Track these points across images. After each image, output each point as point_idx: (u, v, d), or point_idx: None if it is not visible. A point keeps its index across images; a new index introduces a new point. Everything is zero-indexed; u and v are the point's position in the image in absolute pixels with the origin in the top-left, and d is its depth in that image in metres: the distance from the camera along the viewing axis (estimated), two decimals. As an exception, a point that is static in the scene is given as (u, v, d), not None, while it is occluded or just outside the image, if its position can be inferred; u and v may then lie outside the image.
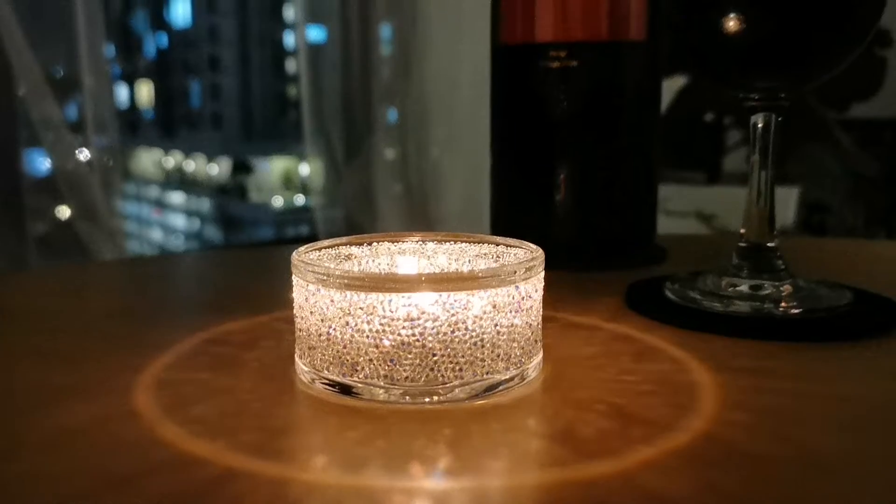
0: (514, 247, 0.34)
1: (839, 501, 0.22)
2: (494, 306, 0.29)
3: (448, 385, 0.28)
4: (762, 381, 0.31)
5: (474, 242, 0.35)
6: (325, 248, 0.34)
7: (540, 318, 0.31)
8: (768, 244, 0.41)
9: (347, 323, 0.28)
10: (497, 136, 0.56)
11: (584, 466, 0.24)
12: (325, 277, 0.29)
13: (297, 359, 0.32)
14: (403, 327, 0.28)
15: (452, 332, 0.28)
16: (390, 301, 0.28)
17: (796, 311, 0.39)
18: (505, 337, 0.29)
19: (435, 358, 0.28)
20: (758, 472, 0.24)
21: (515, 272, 0.29)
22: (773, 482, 0.23)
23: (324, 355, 0.29)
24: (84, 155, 1.16)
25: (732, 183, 1.75)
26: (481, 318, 0.28)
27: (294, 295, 0.31)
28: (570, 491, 0.22)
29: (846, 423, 0.28)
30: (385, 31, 1.50)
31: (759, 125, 0.41)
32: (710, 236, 1.22)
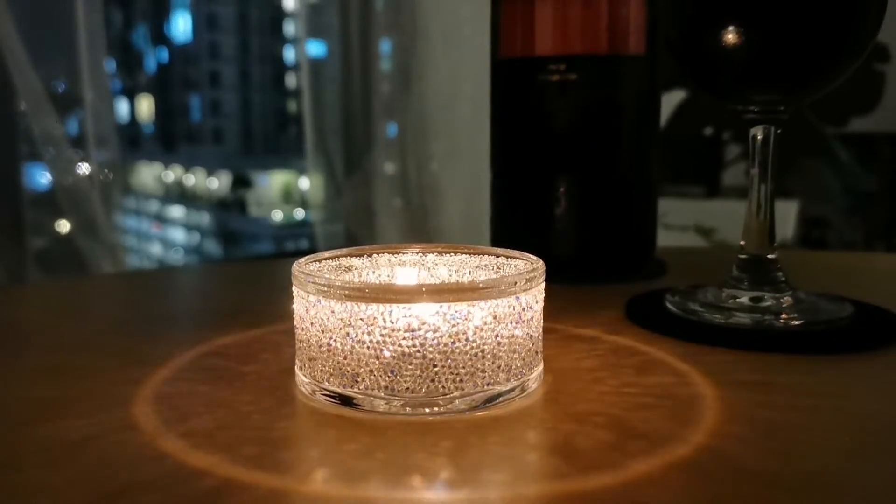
0: (514, 258, 0.34)
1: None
2: (495, 317, 0.29)
3: (448, 396, 0.28)
4: (762, 395, 0.31)
5: (474, 254, 0.35)
6: (326, 259, 0.34)
7: (541, 329, 0.31)
8: (768, 256, 0.41)
9: (348, 334, 0.28)
10: (497, 150, 0.56)
11: (583, 479, 0.24)
12: (325, 288, 0.29)
13: (297, 370, 0.32)
14: (404, 338, 0.28)
15: (453, 343, 0.28)
16: (391, 312, 0.28)
17: (797, 323, 0.39)
18: (506, 348, 0.29)
19: (436, 369, 0.28)
20: (755, 487, 0.23)
21: (516, 283, 0.29)
22: (771, 498, 0.23)
23: (324, 366, 0.29)
24: (84, 169, 1.17)
25: (732, 197, 1.75)
26: (482, 329, 0.28)
27: (294, 306, 0.31)
28: None
29: (847, 437, 0.27)
30: (385, 45, 1.51)
31: (759, 137, 0.41)
32: (709, 249, 1.22)
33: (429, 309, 0.28)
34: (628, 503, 0.22)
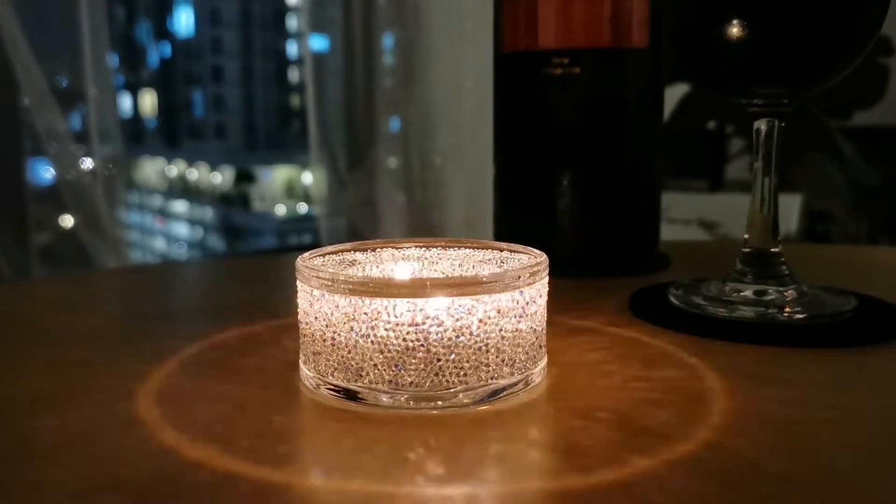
0: (518, 252, 0.34)
1: (845, 506, 0.22)
2: (499, 311, 0.29)
3: (452, 390, 0.28)
4: (766, 389, 0.31)
5: (478, 248, 0.35)
6: (330, 253, 0.34)
7: (544, 323, 0.31)
8: (772, 250, 0.41)
9: (352, 328, 0.28)
10: (500, 144, 0.56)
11: (585, 475, 0.24)
12: (329, 283, 0.29)
13: (301, 364, 0.32)
14: (408, 332, 0.28)
15: (457, 337, 0.28)
16: (395, 306, 0.28)
17: (801, 316, 0.39)
18: (509, 342, 0.29)
19: (439, 363, 0.28)
20: (760, 483, 0.23)
21: (520, 277, 0.29)
22: (775, 495, 0.23)
23: (328, 360, 0.29)
24: (87, 165, 1.17)
25: (735, 190, 1.75)
26: (486, 324, 0.28)
27: (298, 300, 0.31)
28: (571, 500, 0.22)
29: (850, 433, 0.27)
30: (388, 40, 1.50)
31: (762, 131, 0.41)
32: (713, 243, 1.22)
33: (433, 303, 0.28)
34: (632, 499, 0.22)
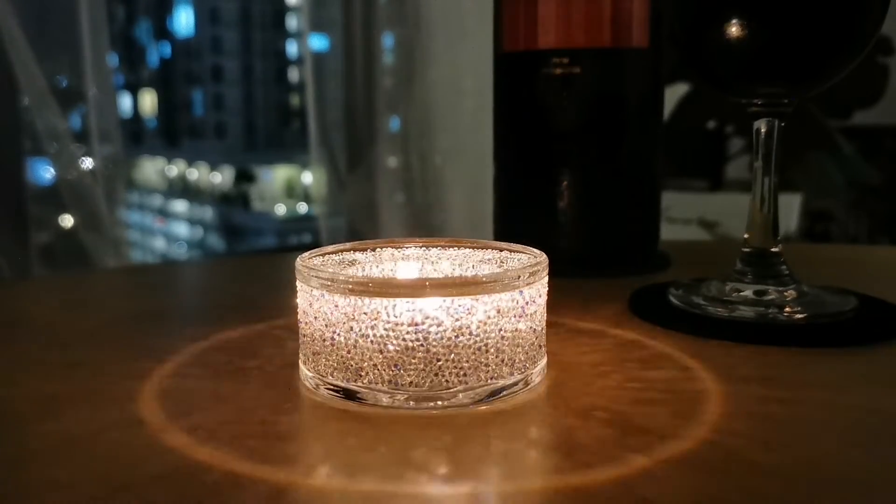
0: (517, 252, 0.34)
1: (845, 507, 0.22)
2: (499, 311, 0.29)
3: (452, 390, 0.28)
4: (766, 388, 0.31)
5: (478, 248, 0.35)
6: (329, 253, 0.34)
7: (544, 323, 0.31)
8: (772, 249, 0.41)
9: (352, 328, 0.28)
10: (500, 144, 0.56)
11: (585, 474, 0.24)
12: (329, 283, 0.29)
13: (301, 364, 0.32)
14: (408, 332, 0.28)
15: (457, 337, 0.28)
16: (394, 306, 0.28)
17: (801, 316, 0.39)
18: (509, 342, 0.29)
19: (439, 363, 0.28)
20: (759, 482, 0.23)
21: (519, 277, 0.29)
22: (775, 493, 0.23)
23: (328, 361, 0.29)
24: (87, 164, 1.17)
25: (735, 190, 1.75)
26: (485, 324, 0.28)
27: (298, 300, 0.31)
28: (571, 499, 0.22)
29: (850, 433, 0.27)
30: (388, 39, 1.50)
31: (762, 131, 0.41)
32: (713, 243, 1.22)
33: (432, 303, 0.28)
34: (631, 498, 0.22)
